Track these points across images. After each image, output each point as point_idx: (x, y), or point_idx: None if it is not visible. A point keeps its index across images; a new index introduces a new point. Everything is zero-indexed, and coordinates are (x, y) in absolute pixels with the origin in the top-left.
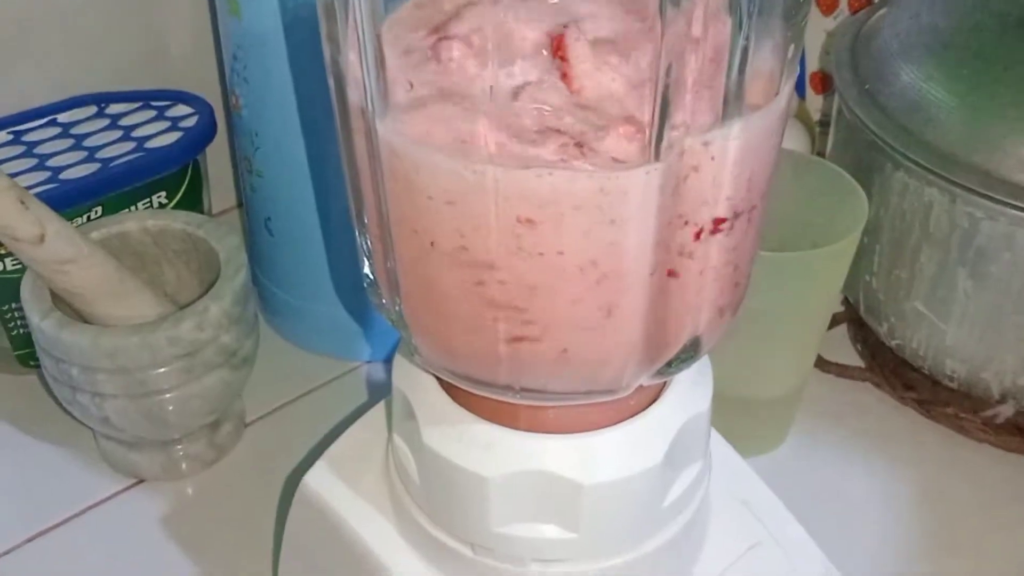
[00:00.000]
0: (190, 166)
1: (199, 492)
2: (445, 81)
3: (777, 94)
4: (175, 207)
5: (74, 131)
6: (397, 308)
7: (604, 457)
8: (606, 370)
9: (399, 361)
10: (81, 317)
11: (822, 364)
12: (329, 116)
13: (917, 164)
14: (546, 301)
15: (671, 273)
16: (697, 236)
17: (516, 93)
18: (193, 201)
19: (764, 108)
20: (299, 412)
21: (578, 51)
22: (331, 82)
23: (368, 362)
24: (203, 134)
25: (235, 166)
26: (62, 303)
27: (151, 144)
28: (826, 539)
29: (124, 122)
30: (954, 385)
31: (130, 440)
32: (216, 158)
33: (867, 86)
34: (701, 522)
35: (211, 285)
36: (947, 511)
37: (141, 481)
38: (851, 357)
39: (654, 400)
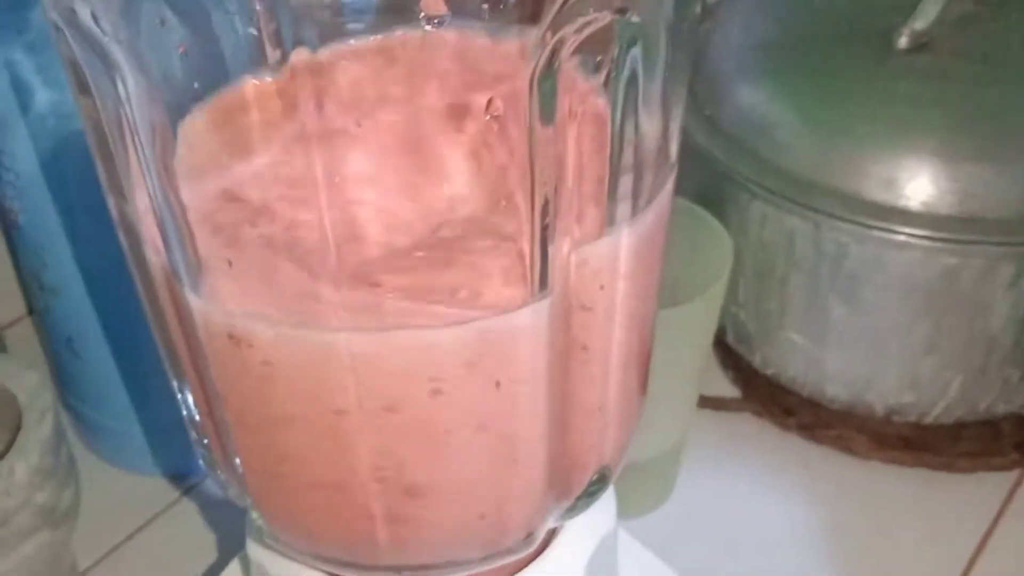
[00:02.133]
0: None
1: None
2: (272, 230)
3: (662, 191)
4: None
5: None
6: (245, 496)
7: None
8: (509, 531)
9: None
10: None
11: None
12: None
13: (774, 193)
14: (432, 474)
15: (571, 410)
16: (595, 362)
17: (362, 234)
18: None
19: (651, 204)
20: (139, 549)
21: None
22: (123, 241)
23: (207, 477)
24: None
25: (19, 272)
26: None
27: None
28: None
29: None
30: (835, 407)
31: None
32: None
33: (707, 112)
34: None
35: (13, 430)
36: (848, 536)
37: None
38: (723, 385)
39: (555, 531)
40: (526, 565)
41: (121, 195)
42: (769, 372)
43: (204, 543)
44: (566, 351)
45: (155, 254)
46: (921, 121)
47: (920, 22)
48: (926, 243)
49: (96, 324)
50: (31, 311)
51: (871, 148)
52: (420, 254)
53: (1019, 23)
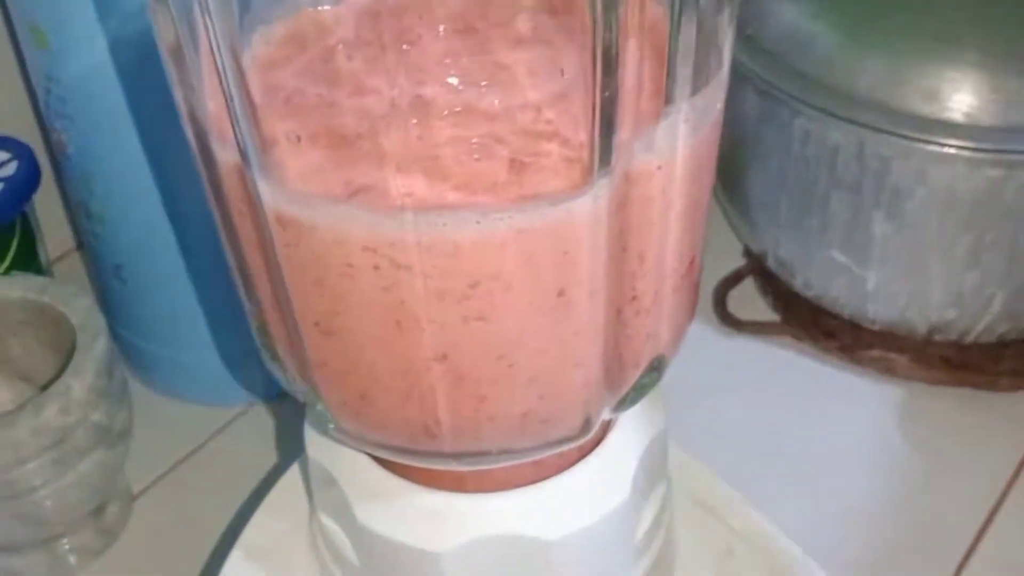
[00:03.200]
0: (18, 220)
1: None
2: (339, 119)
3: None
4: (8, 269)
5: None
6: (310, 388)
7: (568, 505)
8: (568, 418)
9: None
10: None
11: (736, 324)
12: (178, 143)
13: (817, 109)
14: (492, 357)
15: (629, 297)
16: (652, 248)
17: (426, 121)
18: (27, 259)
19: (707, 89)
20: (190, 473)
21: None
22: (189, 135)
23: (254, 403)
24: (27, 183)
25: (67, 205)
26: None
27: None
28: (775, 507)
29: None
30: (876, 327)
31: (6, 544)
32: (44, 200)
33: (748, 31)
34: (672, 541)
35: (67, 354)
36: (890, 455)
37: None
38: (762, 311)
39: (608, 427)
40: (580, 459)
41: (189, 87)
42: (810, 294)
43: (255, 466)
44: (625, 236)
45: (222, 147)
46: (963, 32)
47: None
48: (969, 154)
49: (144, 251)
50: (79, 245)
51: (913, 61)
52: (477, 140)
53: None
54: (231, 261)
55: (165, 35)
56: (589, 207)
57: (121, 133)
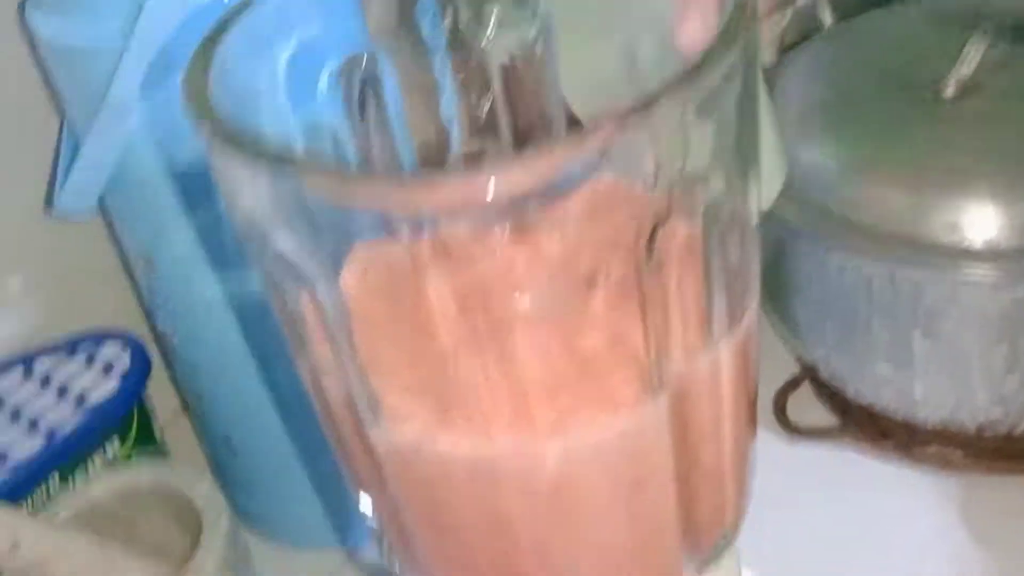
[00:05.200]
0: (135, 406)
1: None
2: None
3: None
4: (130, 448)
5: (7, 401)
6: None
7: None
8: None
9: None
10: None
11: (796, 430)
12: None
13: (848, 246)
14: (583, 551)
15: (697, 474)
16: (708, 440)
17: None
18: (146, 438)
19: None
20: None
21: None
22: (302, 370)
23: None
24: (141, 374)
25: (174, 380)
26: None
27: (92, 400)
28: None
29: (57, 381)
30: (929, 427)
31: None
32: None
33: None
34: None
35: (192, 528)
36: (955, 550)
37: None
38: (821, 414)
39: None
40: None
41: (304, 350)
42: (863, 403)
43: None
44: (685, 437)
45: (339, 404)
46: (973, 165)
47: (965, 69)
48: (992, 279)
49: (255, 426)
50: (185, 407)
51: (931, 196)
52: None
53: None
54: (340, 462)
55: (282, 310)
56: (652, 416)
57: (225, 328)
